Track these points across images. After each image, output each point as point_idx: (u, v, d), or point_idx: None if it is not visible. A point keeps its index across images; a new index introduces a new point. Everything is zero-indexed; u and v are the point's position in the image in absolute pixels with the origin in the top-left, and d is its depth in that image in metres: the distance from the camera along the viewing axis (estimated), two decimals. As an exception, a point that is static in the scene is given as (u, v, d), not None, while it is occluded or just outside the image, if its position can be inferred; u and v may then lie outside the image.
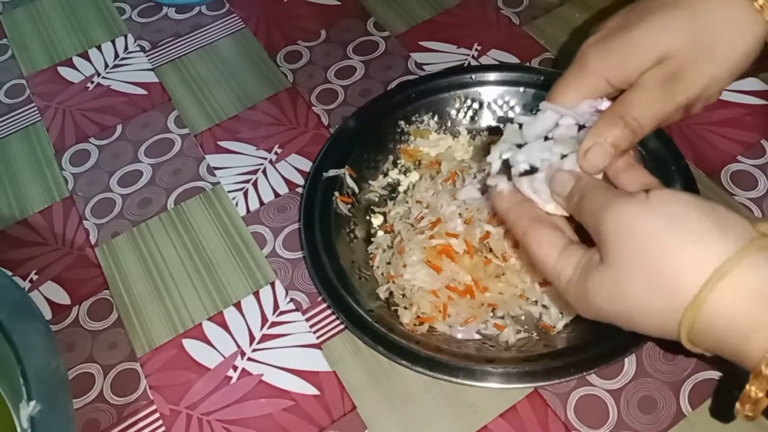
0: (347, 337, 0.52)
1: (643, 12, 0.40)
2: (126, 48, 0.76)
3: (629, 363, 0.48)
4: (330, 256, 0.52)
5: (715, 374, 0.47)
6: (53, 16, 0.81)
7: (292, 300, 0.55)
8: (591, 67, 0.40)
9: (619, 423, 0.46)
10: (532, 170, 0.40)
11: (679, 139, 0.59)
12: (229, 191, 0.62)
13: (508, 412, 0.47)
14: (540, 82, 0.60)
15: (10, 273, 0.58)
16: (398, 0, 0.77)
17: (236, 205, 0.61)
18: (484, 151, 0.58)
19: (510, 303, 0.51)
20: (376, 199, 0.59)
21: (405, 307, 0.51)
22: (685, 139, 0.60)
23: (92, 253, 0.59)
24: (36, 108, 0.72)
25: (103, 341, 0.54)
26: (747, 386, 0.30)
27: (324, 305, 0.54)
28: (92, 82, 0.73)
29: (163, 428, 0.49)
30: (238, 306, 0.55)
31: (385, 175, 0.61)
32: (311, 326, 0.53)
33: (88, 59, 0.76)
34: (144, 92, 0.72)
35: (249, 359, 0.52)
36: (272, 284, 0.56)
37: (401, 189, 0.60)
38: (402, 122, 0.61)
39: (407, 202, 0.57)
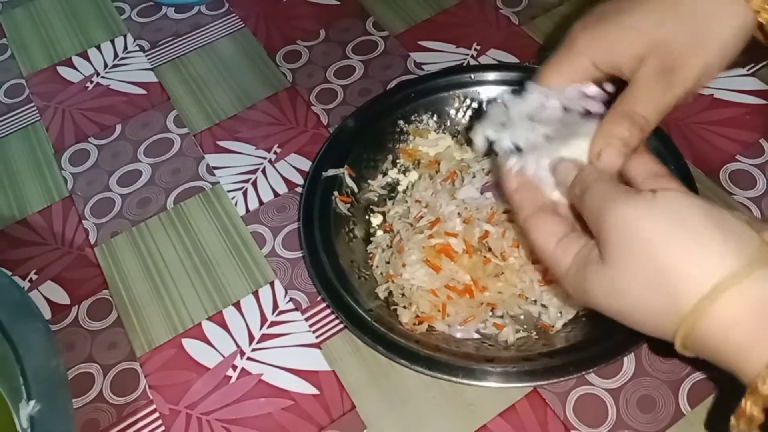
0: (346, 337, 0.52)
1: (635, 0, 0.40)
2: (125, 48, 0.76)
3: (628, 362, 0.48)
4: (329, 255, 0.52)
5: (715, 374, 0.47)
6: (52, 16, 0.81)
7: (291, 299, 0.55)
8: (579, 50, 0.41)
9: (618, 422, 0.46)
10: (516, 150, 0.40)
11: (677, 139, 0.59)
12: (229, 191, 0.62)
13: (508, 412, 0.47)
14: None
15: (9, 273, 0.58)
16: (397, 0, 0.77)
17: (235, 204, 0.61)
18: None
19: (509, 302, 0.51)
20: (376, 199, 0.59)
21: (404, 307, 0.51)
22: (683, 139, 0.60)
23: (92, 253, 0.60)
24: (35, 108, 0.72)
25: (103, 341, 0.54)
26: (742, 401, 0.30)
27: (323, 305, 0.54)
28: (91, 82, 0.73)
29: (163, 428, 0.49)
30: (237, 306, 0.55)
31: (385, 174, 0.61)
32: (310, 326, 0.53)
33: (88, 59, 0.76)
34: (143, 92, 0.72)
35: (248, 359, 0.52)
36: (271, 284, 0.56)
37: (400, 188, 0.60)
38: (401, 122, 0.61)
39: (406, 202, 0.57)
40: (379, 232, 0.57)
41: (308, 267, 0.53)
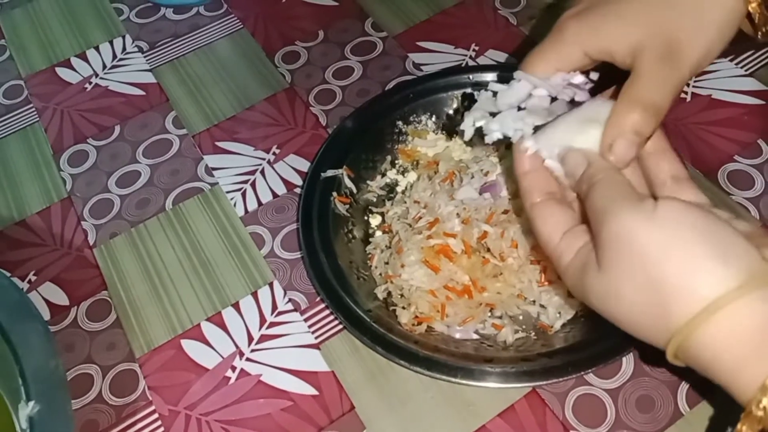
0: (345, 337, 0.52)
1: None
2: (124, 49, 0.76)
3: (627, 362, 0.49)
4: (328, 256, 0.52)
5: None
6: (51, 17, 0.81)
7: (290, 300, 0.55)
8: (569, 38, 0.40)
9: (617, 422, 0.46)
10: (504, 139, 0.40)
11: (676, 139, 0.59)
12: (228, 192, 0.62)
13: (507, 412, 0.47)
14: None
15: (8, 274, 0.57)
16: (396, 0, 0.77)
17: (234, 205, 0.61)
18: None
19: (508, 303, 0.51)
20: (374, 200, 0.59)
21: (403, 307, 0.51)
22: (682, 139, 0.61)
23: (90, 254, 0.60)
24: (34, 109, 0.72)
25: (102, 342, 0.54)
26: (738, 425, 0.30)
27: (322, 305, 0.54)
28: (90, 83, 0.73)
29: (162, 429, 0.49)
30: (236, 306, 0.55)
31: (383, 175, 0.61)
32: (309, 326, 0.53)
33: (86, 60, 0.76)
34: (142, 93, 0.72)
35: (247, 359, 0.52)
36: (270, 284, 0.56)
37: (399, 189, 0.60)
38: (400, 122, 0.61)
39: (405, 203, 0.57)
40: (378, 233, 0.57)
41: (307, 268, 0.53)
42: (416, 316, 0.51)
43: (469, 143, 0.61)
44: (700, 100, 0.63)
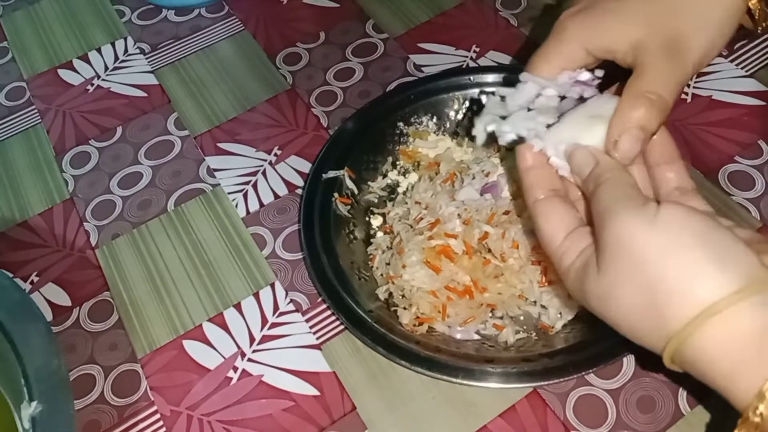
0: (347, 338, 0.52)
1: None
2: (126, 50, 0.76)
3: (628, 362, 0.49)
4: (329, 257, 0.52)
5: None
6: (53, 19, 0.81)
7: (291, 301, 0.55)
8: (570, 37, 0.40)
9: (618, 422, 0.46)
10: (519, 140, 0.40)
11: (676, 140, 0.59)
12: (229, 193, 0.62)
13: (508, 412, 0.48)
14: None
15: (11, 275, 0.58)
16: (397, 2, 0.77)
17: (236, 206, 0.61)
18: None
19: (509, 303, 0.51)
20: (376, 200, 0.60)
21: (404, 308, 0.51)
22: (682, 140, 0.61)
23: (93, 255, 0.60)
24: (36, 110, 0.72)
25: (104, 342, 0.54)
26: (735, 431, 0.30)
27: (324, 306, 0.54)
28: (92, 85, 0.74)
29: (164, 429, 0.49)
30: (238, 307, 0.55)
31: (384, 176, 0.61)
32: (311, 327, 0.53)
33: (88, 62, 0.76)
34: (144, 94, 0.72)
35: (249, 360, 0.52)
36: (272, 285, 0.56)
37: (400, 190, 0.60)
38: (401, 123, 0.61)
39: (406, 203, 0.57)
40: (379, 234, 0.57)
41: (308, 268, 0.53)
42: (417, 317, 0.51)
43: (471, 143, 0.61)
44: (700, 101, 0.63)
